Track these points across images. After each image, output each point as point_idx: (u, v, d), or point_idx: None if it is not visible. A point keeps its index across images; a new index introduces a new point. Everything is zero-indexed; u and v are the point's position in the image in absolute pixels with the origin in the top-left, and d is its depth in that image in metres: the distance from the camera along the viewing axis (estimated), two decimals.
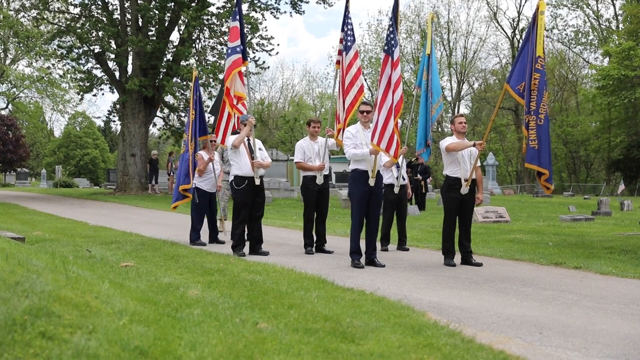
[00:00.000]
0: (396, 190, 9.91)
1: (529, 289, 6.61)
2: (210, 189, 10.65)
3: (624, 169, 44.18)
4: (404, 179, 10.14)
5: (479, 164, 8.59)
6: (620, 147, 46.45)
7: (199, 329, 3.94)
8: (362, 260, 8.06)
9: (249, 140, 9.20)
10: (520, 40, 52.10)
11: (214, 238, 10.64)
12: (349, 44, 9.25)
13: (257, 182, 9.07)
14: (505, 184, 55.17)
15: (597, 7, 50.48)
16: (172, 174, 28.04)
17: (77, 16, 29.19)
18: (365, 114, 8.29)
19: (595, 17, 50.70)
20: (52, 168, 54.08)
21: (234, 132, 9.63)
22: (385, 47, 8.10)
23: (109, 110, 31.05)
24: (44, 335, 2.97)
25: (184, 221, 15.30)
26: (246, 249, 9.10)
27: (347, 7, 9.40)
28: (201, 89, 30.28)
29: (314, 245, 9.56)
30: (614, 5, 49.42)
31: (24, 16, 29.54)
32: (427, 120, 9.55)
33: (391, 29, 8.22)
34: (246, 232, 9.44)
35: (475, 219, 15.66)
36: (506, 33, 54.88)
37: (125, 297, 4.50)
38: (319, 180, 9.51)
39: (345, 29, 9.31)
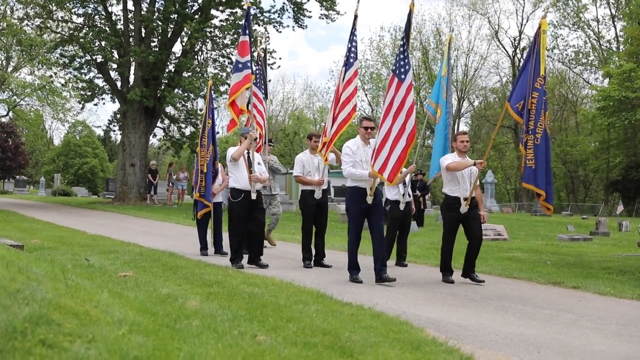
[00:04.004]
0: (402, 206, 9.89)
1: (528, 308, 6.61)
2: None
3: (623, 189, 44.24)
4: (409, 196, 10.09)
5: (478, 182, 8.51)
6: (619, 167, 46.52)
7: (198, 341, 3.93)
8: (360, 275, 8.03)
9: (248, 153, 9.18)
10: (522, 59, 52.30)
11: (218, 250, 10.67)
12: (351, 60, 9.18)
13: (254, 196, 9.03)
14: (504, 202, 55.16)
15: (598, 28, 50.75)
16: (171, 184, 28.05)
17: (80, 26, 29.30)
18: (369, 130, 8.13)
19: (596, 38, 50.93)
20: (51, 176, 54.04)
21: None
22: (393, 68, 7.90)
23: (109, 120, 31.16)
24: (44, 343, 2.97)
25: (181, 232, 15.29)
26: (244, 261, 9.07)
27: (354, 24, 9.33)
28: (201, 100, 30.44)
29: (312, 259, 9.54)
30: (614, 26, 49.69)
31: (27, 24, 29.65)
32: (445, 142, 9.42)
33: (402, 49, 7.97)
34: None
35: None
36: (507, 52, 55.07)
37: (124, 306, 4.49)
38: (318, 195, 9.49)
39: (349, 45, 9.25)
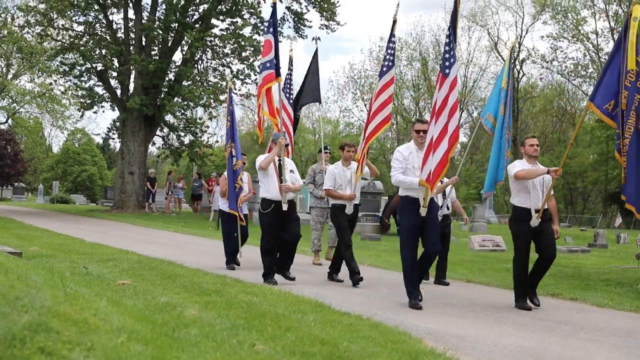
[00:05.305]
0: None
1: (526, 319, 6.61)
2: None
3: (621, 201, 44.15)
4: (447, 209, 9.49)
5: (552, 192, 7.62)
6: (618, 180, 46.45)
7: (197, 349, 3.93)
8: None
9: (279, 161, 8.55)
10: (521, 71, 52.43)
11: (230, 260, 10.19)
12: (384, 69, 8.65)
13: (285, 207, 8.36)
14: (502, 213, 55.16)
15: (597, 41, 50.89)
16: (170, 193, 28.04)
17: (81, 34, 29.32)
18: (421, 133, 7.24)
19: (595, 51, 51.06)
20: (50, 184, 53.91)
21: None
22: (440, 64, 7.19)
23: (108, 128, 31.15)
24: (43, 351, 2.97)
25: (180, 240, 15.28)
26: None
27: (392, 30, 8.74)
28: (201, 109, 30.46)
29: (359, 273, 8.68)
30: (613, 39, 49.78)
31: (28, 32, 29.64)
32: (500, 159, 8.76)
33: (447, 40, 7.26)
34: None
35: (471, 247, 15.65)
36: None
37: (122, 315, 4.49)
38: (349, 210, 8.77)
39: (386, 54, 8.76)
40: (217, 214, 10.93)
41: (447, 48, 7.18)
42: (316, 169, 11.13)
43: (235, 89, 28.39)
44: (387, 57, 8.70)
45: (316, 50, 12.20)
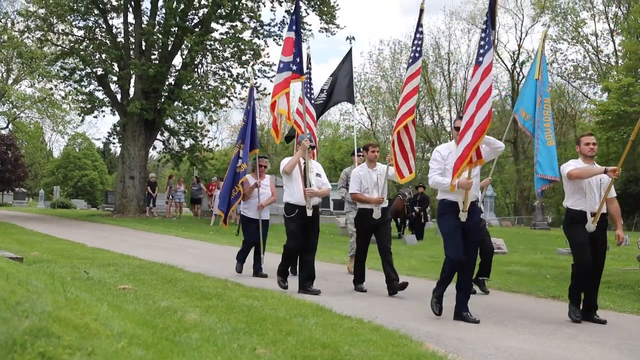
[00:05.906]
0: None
1: (527, 322, 6.60)
2: (255, 216, 9.95)
3: (622, 203, 43.99)
4: (481, 211, 8.75)
5: (614, 194, 7.08)
6: (618, 181, 46.53)
7: (197, 354, 3.92)
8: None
9: (304, 164, 8.22)
10: (521, 73, 52.44)
11: (257, 271, 9.85)
12: (410, 60, 8.34)
13: (309, 212, 8.06)
14: (503, 215, 55.16)
15: (597, 42, 50.94)
16: (171, 197, 28.05)
17: (81, 38, 29.38)
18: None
19: (594, 53, 51.10)
20: (50, 189, 53.96)
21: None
22: (477, 53, 6.72)
23: (108, 132, 31.09)
24: (44, 355, 2.96)
25: (181, 245, 15.28)
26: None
27: (420, 19, 8.41)
28: (201, 113, 30.47)
29: (363, 281, 8.61)
30: (613, 41, 49.83)
31: (28, 37, 29.68)
32: (544, 152, 8.32)
33: (485, 25, 6.71)
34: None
35: None
36: (506, 65, 55.25)
37: (123, 319, 4.48)
38: (377, 215, 8.33)
39: (413, 47, 8.42)
40: (218, 217, 10.86)
41: (482, 35, 6.68)
42: (349, 172, 10.82)
43: (236, 93, 28.47)
44: (414, 47, 8.33)
45: (350, 50, 11.75)
